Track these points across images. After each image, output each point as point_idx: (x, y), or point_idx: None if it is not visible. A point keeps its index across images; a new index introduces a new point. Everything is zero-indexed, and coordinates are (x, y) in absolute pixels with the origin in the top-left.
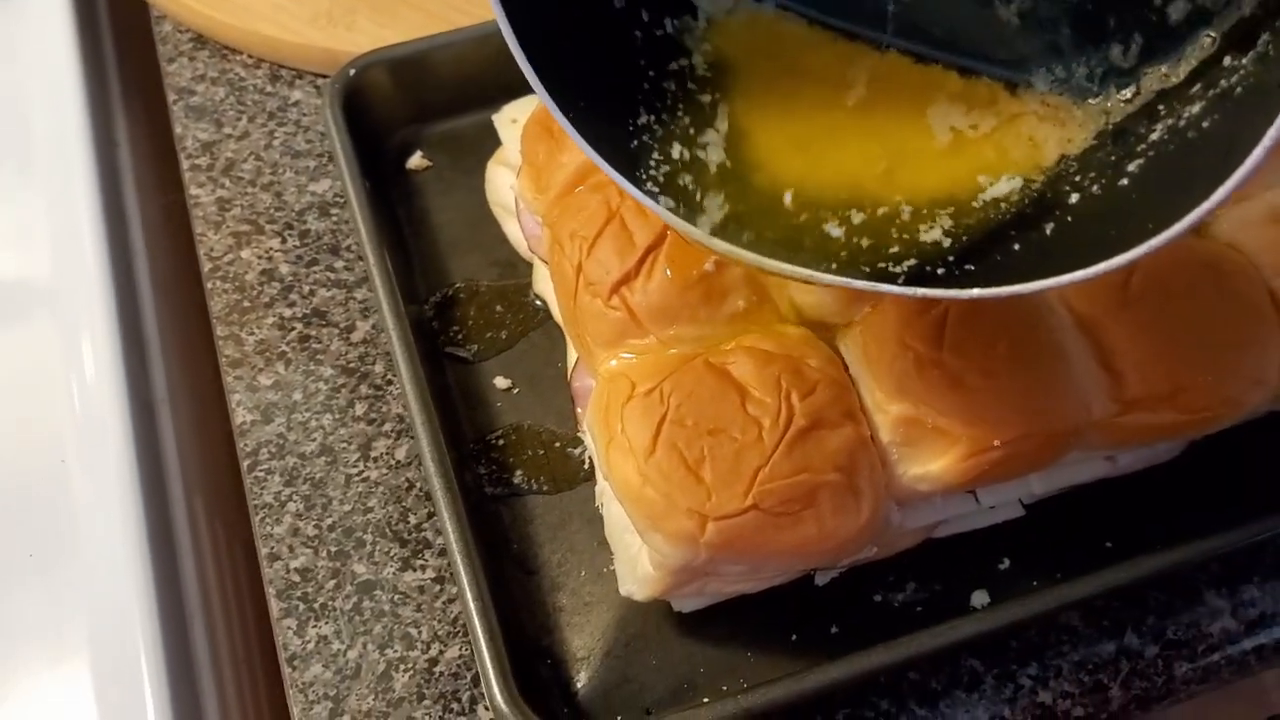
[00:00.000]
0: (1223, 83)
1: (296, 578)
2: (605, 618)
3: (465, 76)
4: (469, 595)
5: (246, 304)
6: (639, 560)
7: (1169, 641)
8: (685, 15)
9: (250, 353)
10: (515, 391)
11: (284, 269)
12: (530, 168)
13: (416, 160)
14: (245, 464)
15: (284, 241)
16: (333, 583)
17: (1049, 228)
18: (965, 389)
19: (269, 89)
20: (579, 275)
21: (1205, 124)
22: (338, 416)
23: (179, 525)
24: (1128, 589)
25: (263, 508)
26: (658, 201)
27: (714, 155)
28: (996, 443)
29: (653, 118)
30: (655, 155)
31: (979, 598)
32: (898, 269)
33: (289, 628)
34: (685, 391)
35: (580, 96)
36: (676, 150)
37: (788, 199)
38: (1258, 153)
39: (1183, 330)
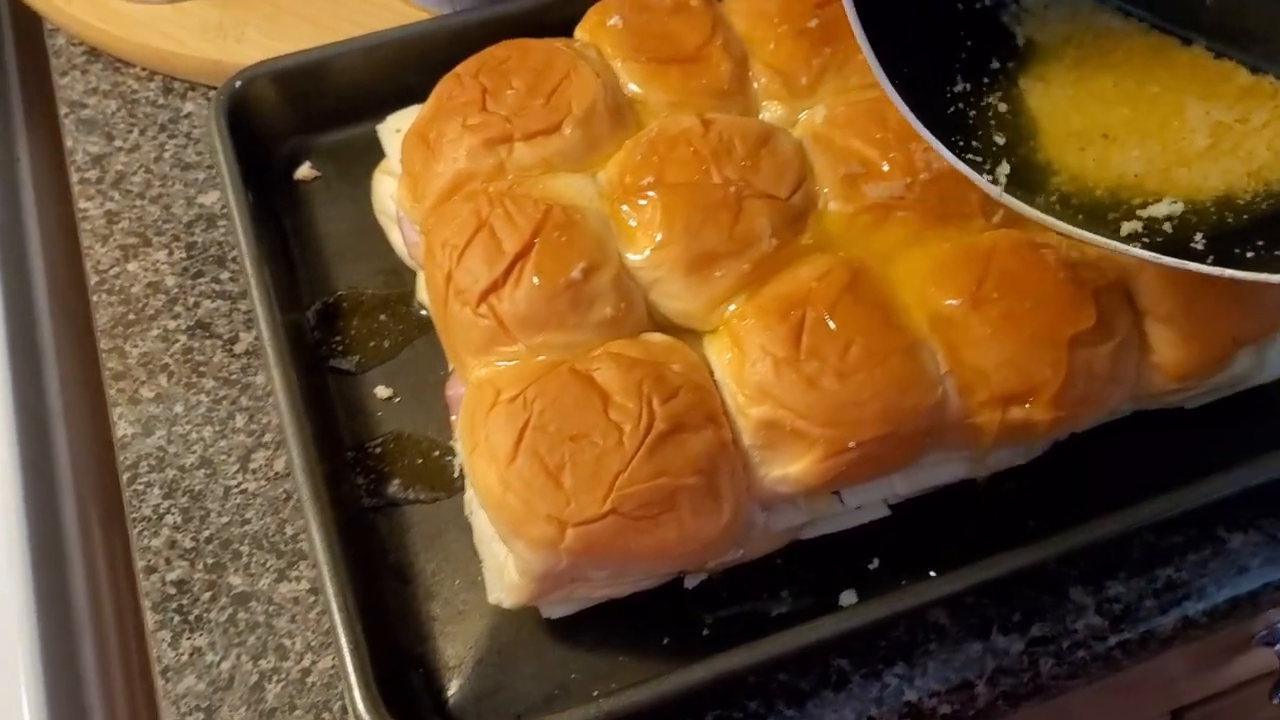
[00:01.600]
0: None
1: (172, 590)
2: (478, 626)
3: (353, 87)
4: (334, 605)
5: (131, 317)
6: (506, 568)
7: (1034, 639)
8: None
9: (133, 365)
10: (397, 400)
11: (170, 281)
12: (408, 177)
13: (304, 170)
14: (125, 477)
15: (171, 254)
16: (208, 595)
17: None
18: (821, 391)
19: (161, 101)
20: (449, 284)
21: None
22: (218, 429)
23: (70, 540)
24: (994, 586)
25: (141, 520)
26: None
27: (1007, 133)
28: (852, 444)
29: (968, 86)
30: (969, 122)
31: (847, 598)
32: (1198, 246)
33: (164, 640)
34: (549, 398)
35: (904, 63)
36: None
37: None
38: None
39: (1036, 330)
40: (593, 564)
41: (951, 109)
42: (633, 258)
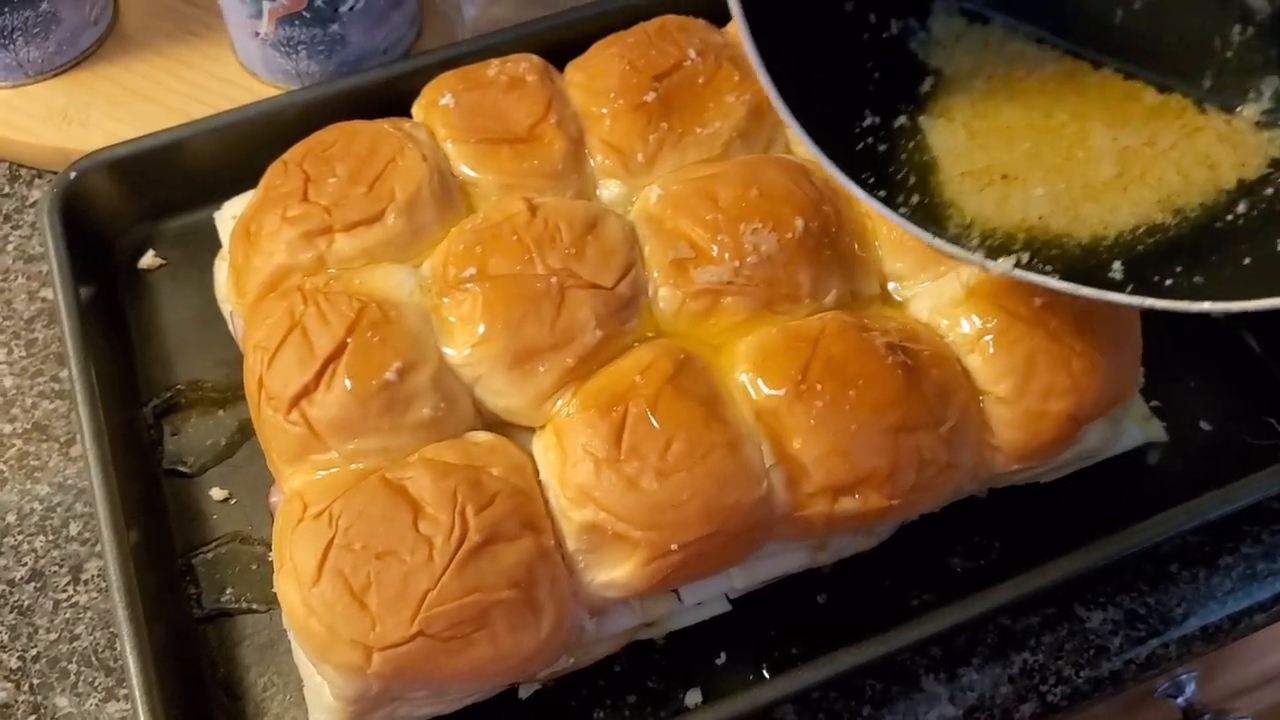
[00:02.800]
0: None
1: None
2: None
3: (199, 170)
4: None
5: None
6: (323, 690)
7: None
8: (910, 19)
9: None
10: (233, 502)
11: (8, 382)
12: (233, 270)
13: (149, 259)
14: None
15: (10, 352)
16: (33, 718)
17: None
18: (641, 492)
19: (6, 190)
20: (261, 389)
21: None
22: (51, 538)
23: None
24: (842, 679)
25: None
26: (874, 195)
27: (914, 171)
28: (675, 545)
29: (877, 119)
30: (878, 158)
31: (692, 697)
32: (1116, 275)
33: None
34: (355, 512)
35: (811, 100)
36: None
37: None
38: None
39: (863, 418)
40: (405, 687)
41: (861, 144)
42: (452, 354)
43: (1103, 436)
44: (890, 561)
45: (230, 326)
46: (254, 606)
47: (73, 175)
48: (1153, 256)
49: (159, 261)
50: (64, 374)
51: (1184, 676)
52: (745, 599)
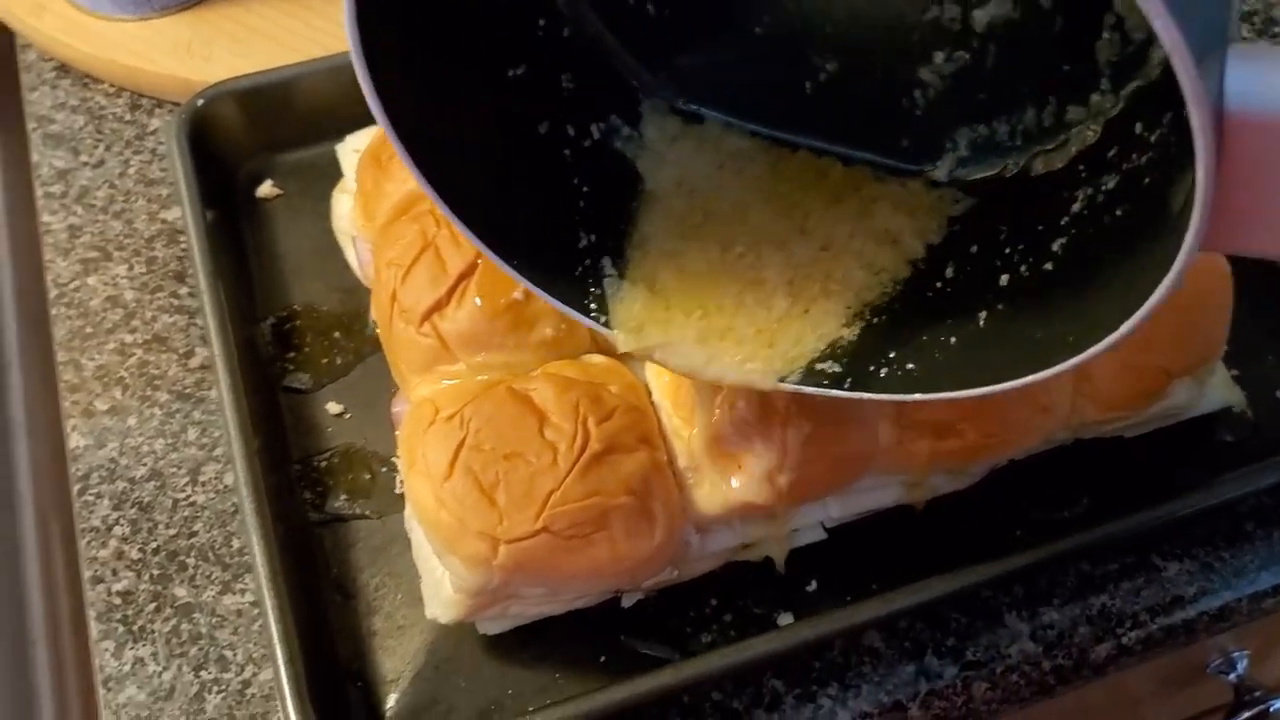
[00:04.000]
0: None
1: (118, 600)
2: (417, 641)
3: (317, 107)
4: (272, 619)
5: (89, 330)
6: (442, 583)
7: (968, 662)
8: (616, 118)
9: (89, 378)
10: (347, 416)
11: (129, 296)
12: (361, 196)
13: (266, 188)
14: (75, 488)
15: (131, 269)
16: (153, 606)
17: (982, 318)
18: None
19: (128, 118)
20: (394, 302)
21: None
22: (170, 442)
23: (28, 551)
24: (928, 610)
25: (89, 531)
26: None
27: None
28: (789, 465)
29: (593, 237)
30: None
31: (784, 619)
32: (830, 369)
33: (106, 650)
34: (485, 417)
35: (519, 237)
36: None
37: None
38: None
39: None
40: (525, 581)
41: (580, 267)
42: None
43: (1188, 395)
44: (979, 504)
45: (349, 254)
46: (366, 512)
47: (200, 103)
48: (867, 348)
49: (276, 191)
50: (182, 290)
51: (1236, 654)
52: (839, 529)
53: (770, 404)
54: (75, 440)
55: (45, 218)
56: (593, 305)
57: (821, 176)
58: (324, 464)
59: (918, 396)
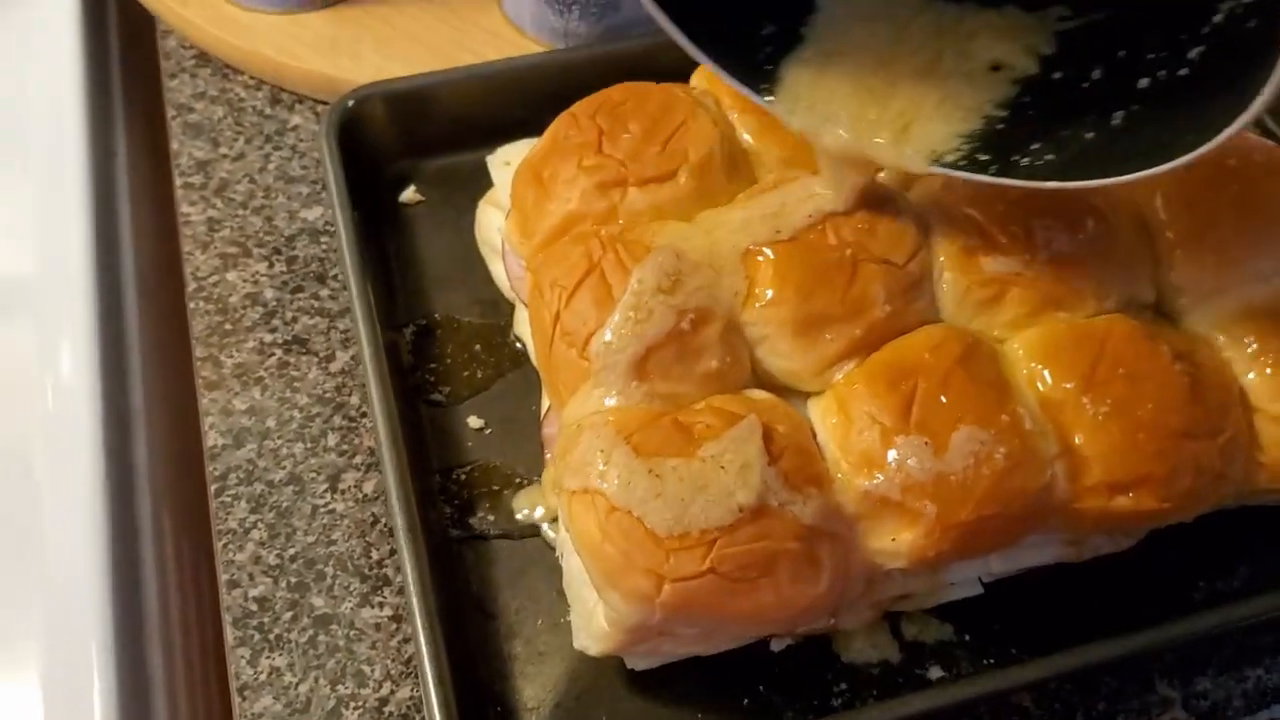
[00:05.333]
0: None
1: (254, 606)
2: (558, 669)
3: (464, 115)
4: (422, 638)
5: (228, 326)
6: (594, 615)
7: None
8: None
9: (228, 376)
10: (488, 432)
11: (269, 294)
12: (518, 213)
13: (409, 194)
14: (213, 488)
15: (271, 266)
16: (290, 614)
17: (1119, 117)
18: (928, 465)
19: (268, 111)
20: (556, 324)
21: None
22: (309, 446)
23: (145, 542)
24: (1080, 673)
25: (227, 533)
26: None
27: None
28: (959, 521)
29: (774, 28)
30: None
31: (934, 671)
32: (978, 156)
33: (242, 657)
34: (651, 449)
35: (705, 25)
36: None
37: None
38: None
39: (1149, 419)
40: (685, 621)
41: (762, 54)
42: (740, 313)
43: None
44: (1137, 566)
45: (494, 267)
46: (506, 532)
47: (351, 103)
48: (1011, 140)
49: (418, 197)
50: (323, 292)
51: None
52: (994, 584)
53: (941, 457)
54: (213, 439)
55: (184, 208)
56: (764, 86)
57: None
58: (463, 478)
59: (1052, 185)
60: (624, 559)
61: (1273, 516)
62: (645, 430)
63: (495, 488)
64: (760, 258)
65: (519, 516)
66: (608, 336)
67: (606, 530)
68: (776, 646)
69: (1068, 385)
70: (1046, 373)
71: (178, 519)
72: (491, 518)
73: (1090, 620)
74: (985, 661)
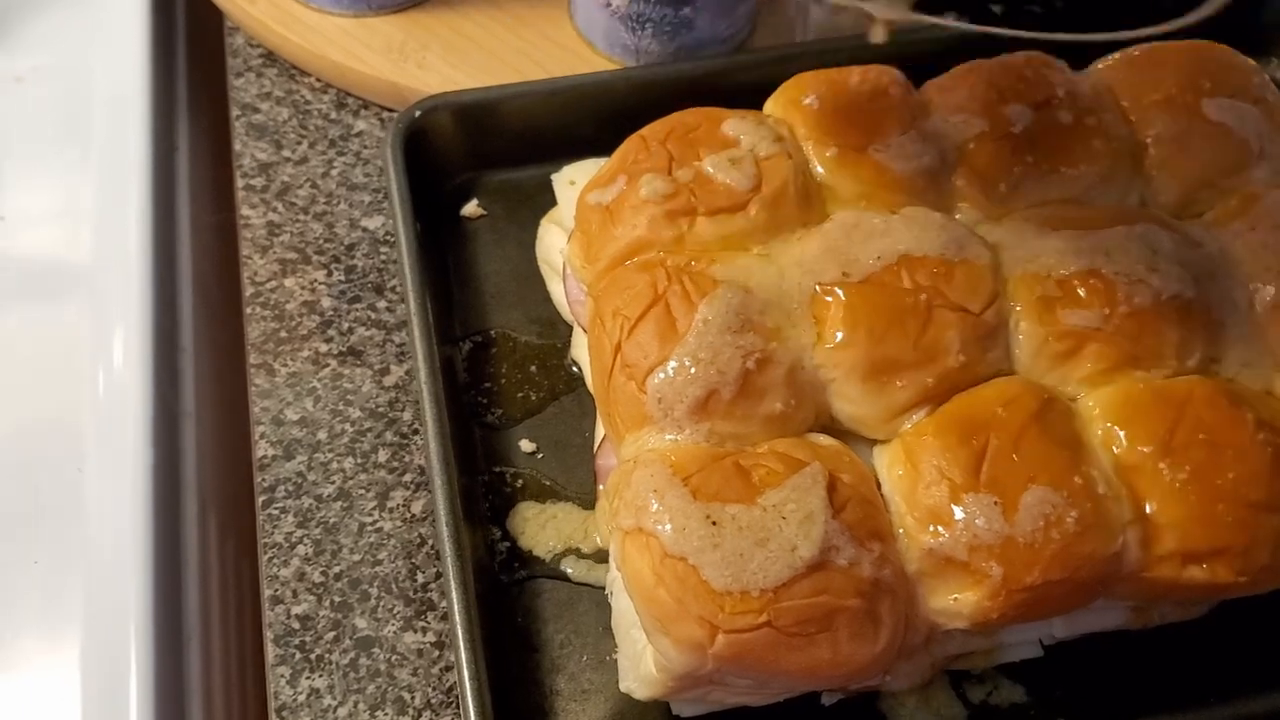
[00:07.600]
0: None
1: (296, 624)
2: (601, 709)
3: (530, 129)
4: (465, 672)
5: (284, 334)
6: (643, 658)
7: None
8: None
9: (281, 385)
10: (539, 456)
11: (326, 303)
12: (582, 235)
13: (472, 207)
14: (260, 499)
15: (330, 274)
16: (332, 634)
17: None
18: (998, 526)
19: (333, 116)
20: (617, 355)
21: None
22: (359, 461)
23: (188, 544)
24: None
25: (272, 547)
26: None
27: None
28: (1026, 585)
29: None
30: None
31: None
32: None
33: (282, 676)
34: (711, 491)
35: None
36: None
37: None
38: None
39: (1228, 489)
40: (737, 672)
41: None
42: (809, 355)
43: None
44: (1203, 638)
45: (553, 287)
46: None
47: (418, 113)
48: None
49: (480, 211)
50: (380, 304)
51: None
52: (1054, 646)
53: (1011, 518)
54: (263, 449)
55: (245, 210)
56: None
57: None
58: (513, 503)
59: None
60: (677, 605)
61: None
62: (705, 472)
63: (545, 516)
64: (830, 297)
65: (547, 549)
66: (670, 374)
67: (660, 574)
68: (828, 700)
69: (1144, 449)
70: (1122, 434)
71: (223, 524)
72: (542, 548)
73: (1152, 689)
74: None
